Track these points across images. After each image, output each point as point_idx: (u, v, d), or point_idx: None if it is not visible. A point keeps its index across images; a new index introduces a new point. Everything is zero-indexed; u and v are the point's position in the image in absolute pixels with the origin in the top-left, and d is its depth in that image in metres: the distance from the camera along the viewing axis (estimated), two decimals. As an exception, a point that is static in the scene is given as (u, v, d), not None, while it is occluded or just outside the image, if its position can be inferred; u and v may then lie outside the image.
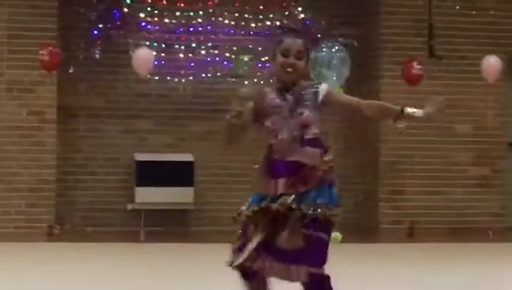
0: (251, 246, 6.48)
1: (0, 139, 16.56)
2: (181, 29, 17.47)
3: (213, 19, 17.50)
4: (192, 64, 17.46)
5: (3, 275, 11.43)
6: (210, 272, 12.11)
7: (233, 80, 17.48)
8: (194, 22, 17.51)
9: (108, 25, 17.04)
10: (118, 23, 17.10)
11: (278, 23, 17.60)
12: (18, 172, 16.51)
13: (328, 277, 6.59)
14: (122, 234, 16.39)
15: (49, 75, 16.36)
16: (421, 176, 17.57)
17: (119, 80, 17.39)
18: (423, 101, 17.42)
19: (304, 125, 6.44)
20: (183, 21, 17.47)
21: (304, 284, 6.45)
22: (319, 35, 17.35)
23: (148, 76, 16.88)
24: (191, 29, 17.51)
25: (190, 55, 17.44)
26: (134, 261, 13.28)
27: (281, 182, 6.41)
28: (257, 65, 17.57)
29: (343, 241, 15.93)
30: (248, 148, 17.18)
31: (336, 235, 15.93)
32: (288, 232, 6.38)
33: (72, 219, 17.18)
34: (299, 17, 17.65)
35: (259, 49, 17.56)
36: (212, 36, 17.56)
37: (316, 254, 6.47)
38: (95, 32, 17.00)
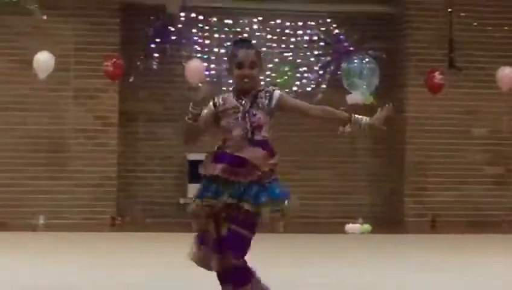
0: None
1: (68, 141, 16.63)
2: (228, 43, 17.46)
3: (257, 34, 17.49)
4: (238, 73, 17.43)
5: (72, 261, 11.50)
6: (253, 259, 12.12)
7: (275, 87, 17.43)
8: (239, 35, 17.50)
9: (164, 39, 17.10)
10: (173, 37, 17.16)
11: (315, 38, 17.60)
12: (84, 170, 16.57)
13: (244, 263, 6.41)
14: (175, 225, 16.38)
15: (112, 84, 16.43)
16: (443, 174, 17.48)
17: (174, 88, 17.41)
18: (444, 107, 17.40)
19: (255, 126, 6.30)
20: (230, 36, 17.46)
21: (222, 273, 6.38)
22: (351, 49, 17.32)
23: (199, 85, 16.89)
24: (238, 43, 17.47)
25: (237, 66, 17.43)
26: (187, 249, 13.26)
27: (220, 165, 6.26)
28: (297, 75, 17.55)
29: (372, 232, 16.02)
30: (283, 149, 17.29)
31: (365, 226, 15.99)
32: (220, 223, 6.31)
33: (132, 211, 17.23)
34: (334, 32, 17.60)
35: (298, 60, 17.56)
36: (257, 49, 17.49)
37: (236, 246, 6.29)
38: (153, 45, 17.06)
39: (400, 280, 10.18)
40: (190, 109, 6.36)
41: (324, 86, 17.56)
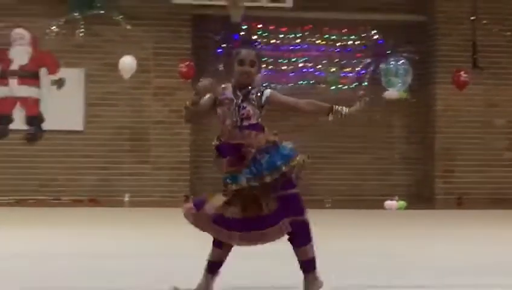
0: (209, 211, 6.30)
1: (149, 131, 16.79)
2: (284, 48, 17.54)
3: (308, 39, 17.54)
4: (292, 74, 17.52)
5: (152, 232, 11.65)
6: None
7: (323, 85, 17.53)
8: (293, 42, 17.58)
9: (229, 45, 17.16)
10: (237, 43, 17.22)
11: (357, 42, 17.60)
12: (162, 155, 16.71)
13: (307, 223, 6.41)
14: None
15: (185, 83, 16.55)
16: (468, 158, 17.42)
17: (237, 86, 17.46)
18: (468, 101, 17.28)
19: (243, 117, 6.25)
20: (285, 41, 17.53)
21: (290, 234, 6.27)
22: (388, 52, 17.31)
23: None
24: (291, 47, 17.57)
25: (291, 67, 17.51)
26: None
27: (224, 162, 6.30)
28: (341, 75, 17.58)
29: (406, 208, 16.01)
30: (332, 137, 17.33)
31: (401, 203, 15.98)
32: (263, 202, 6.18)
33: (202, 190, 17.32)
34: (373, 38, 17.60)
35: (343, 62, 17.58)
36: (308, 52, 17.59)
37: (294, 206, 6.31)
38: (219, 50, 17.15)
39: (430, 249, 10.19)
40: (193, 95, 6.33)
41: (365, 83, 17.58)
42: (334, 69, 17.47)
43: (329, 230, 12.32)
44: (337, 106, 6.50)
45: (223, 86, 6.39)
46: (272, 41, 17.46)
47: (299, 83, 17.49)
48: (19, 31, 16.23)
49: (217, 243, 6.39)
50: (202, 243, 10.11)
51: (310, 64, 17.56)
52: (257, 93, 6.34)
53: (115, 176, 16.49)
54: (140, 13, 16.65)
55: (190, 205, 6.40)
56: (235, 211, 6.21)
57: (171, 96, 16.79)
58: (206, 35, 17.13)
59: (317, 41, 17.56)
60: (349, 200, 16.97)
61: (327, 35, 17.61)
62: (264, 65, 16.81)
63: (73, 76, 16.23)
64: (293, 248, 6.37)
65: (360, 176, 17.72)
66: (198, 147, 17.25)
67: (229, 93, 6.33)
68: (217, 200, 6.30)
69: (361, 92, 6.64)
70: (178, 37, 16.83)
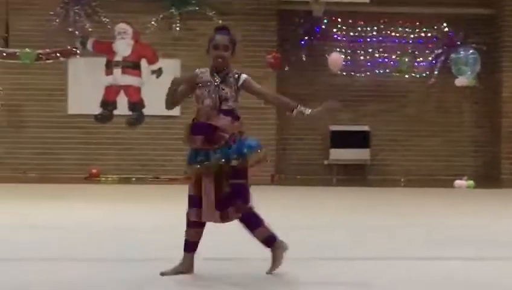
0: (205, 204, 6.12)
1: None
2: (361, 39, 17.50)
3: (383, 32, 17.47)
4: (369, 64, 17.48)
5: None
6: (384, 208, 12.23)
7: (397, 74, 17.46)
8: (370, 34, 17.52)
9: (312, 37, 17.21)
10: (318, 36, 17.26)
11: (429, 34, 17.47)
12: (250, 138, 16.82)
13: (253, 209, 6.31)
14: (320, 181, 16.54)
15: (272, 73, 16.64)
16: (532, 141, 17.26)
17: (319, 75, 17.49)
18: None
19: (222, 99, 6.14)
20: (362, 34, 17.48)
21: (242, 221, 6.27)
22: (458, 43, 17.16)
23: (339, 72, 17.02)
24: (368, 39, 17.52)
25: (368, 57, 17.47)
26: (329, 199, 13.46)
27: (199, 138, 6.11)
28: (414, 64, 17.48)
29: (475, 187, 15.88)
30: (407, 121, 17.26)
31: (470, 182, 15.84)
32: (220, 183, 6.08)
33: (287, 170, 17.44)
34: (444, 30, 17.45)
35: (416, 52, 17.48)
36: (383, 44, 17.52)
37: (241, 195, 6.18)
38: (303, 42, 17.21)
39: (497, 224, 10.18)
40: (171, 82, 6.29)
41: (436, 72, 17.46)
42: (407, 59, 17.36)
43: (403, 208, 12.34)
44: (301, 106, 6.30)
45: (201, 70, 6.28)
46: (350, 34, 17.43)
47: (375, 72, 17.45)
48: (122, 26, 16.51)
49: (194, 223, 6.22)
50: (284, 216, 10.20)
51: (385, 55, 17.48)
52: (234, 76, 6.25)
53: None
54: (230, 9, 16.77)
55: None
56: (210, 191, 6.11)
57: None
58: (291, 28, 17.17)
59: (391, 34, 17.47)
60: (421, 179, 16.91)
61: (401, 28, 17.51)
62: (343, 56, 16.81)
63: (170, 66, 16.40)
64: (250, 233, 6.35)
65: (432, 158, 17.63)
66: (284, 131, 17.36)
67: (206, 76, 6.23)
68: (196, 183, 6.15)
69: (333, 103, 6.37)
70: (265, 30, 16.90)
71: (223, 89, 6.17)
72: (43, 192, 13.56)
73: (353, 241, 8.40)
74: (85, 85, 16.50)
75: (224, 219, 6.18)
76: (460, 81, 16.59)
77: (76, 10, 16.39)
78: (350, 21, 17.41)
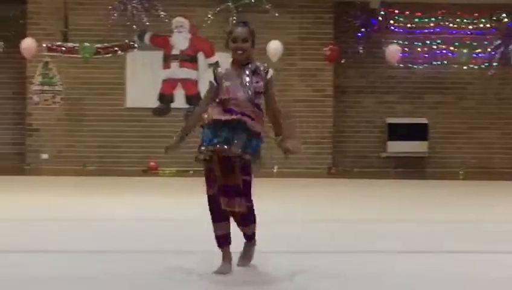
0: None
1: (295, 108, 16.86)
2: (419, 31, 17.37)
3: (441, 23, 17.32)
4: (427, 55, 17.35)
5: (298, 200, 11.80)
6: (439, 200, 12.15)
7: (456, 66, 17.30)
8: (427, 25, 17.38)
9: (368, 29, 17.12)
10: (375, 28, 17.16)
11: (488, 25, 17.27)
12: (307, 130, 16.78)
13: (253, 208, 6.26)
14: (378, 173, 16.47)
15: (329, 65, 16.63)
16: None
17: (376, 67, 17.41)
18: None
19: (256, 92, 6.06)
20: (420, 25, 17.35)
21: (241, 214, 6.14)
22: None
23: (396, 64, 16.92)
24: (426, 30, 17.39)
25: (425, 49, 17.34)
26: (386, 192, 13.42)
27: (233, 116, 6.00)
28: (473, 55, 17.29)
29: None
30: (465, 114, 17.11)
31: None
32: (235, 171, 6.00)
33: (344, 163, 17.39)
34: (503, 21, 17.23)
35: (474, 44, 17.30)
36: (441, 35, 17.38)
37: (247, 191, 6.13)
38: (359, 34, 17.12)
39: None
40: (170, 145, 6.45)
41: (495, 63, 17.25)
42: (465, 50, 17.18)
43: (462, 199, 12.26)
44: (280, 138, 6.16)
45: (218, 68, 6.24)
46: (407, 26, 17.31)
47: (433, 63, 17.32)
48: (179, 20, 16.62)
49: (220, 217, 6.14)
50: (341, 208, 10.21)
51: (443, 46, 17.34)
52: (264, 69, 6.16)
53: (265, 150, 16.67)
54: (286, 1, 16.78)
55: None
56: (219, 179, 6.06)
57: (314, 78, 16.90)
58: (347, 21, 17.11)
59: (450, 25, 17.31)
60: (480, 172, 16.74)
61: (459, 19, 17.34)
62: (400, 48, 16.70)
63: (227, 60, 16.38)
64: (238, 226, 6.29)
65: (491, 150, 17.45)
66: (340, 123, 17.33)
67: (230, 71, 6.15)
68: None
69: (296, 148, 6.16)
70: (321, 22, 16.88)
71: (257, 82, 6.10)
72: (101, 185, 13.73)
73: (413, 235, 8.37)
74: (143, 79, 16.65)
75: (230, 206, 6.06)
76: (519, 73, 16.42)
77: (134, 4, 16.53)
78: (407, 12, 17.29)
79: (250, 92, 6.07)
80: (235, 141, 6.00)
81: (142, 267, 6.45)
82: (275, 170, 16.13)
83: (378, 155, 17.27)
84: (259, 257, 6.51)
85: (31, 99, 16.45)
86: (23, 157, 16.79)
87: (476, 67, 17.30)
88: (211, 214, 6.17)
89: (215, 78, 6.21)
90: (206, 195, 6.15)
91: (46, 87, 16.35)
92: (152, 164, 16.15)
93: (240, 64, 6.16)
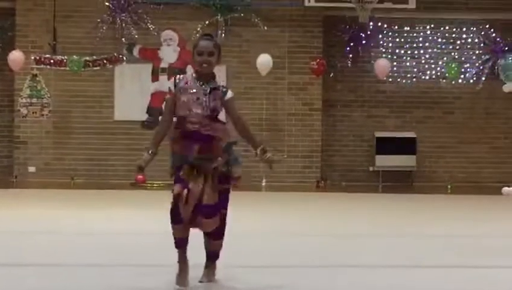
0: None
1: (283, 122, 16.96)
2: (407, 45, 17.46)
3: (430, 38, 17.42)
4: (415, 69, 17.44)
5: (288, 212, 11.82)
6: (428, 214, 12.20)
7: (444, 80, 17.39)
8: (416, 40, 17.47)
9: (357, 43, 17.18)
10: (364, 42, 17.22)
11: (476, 40, 17.36)
12: (295, 144, 16.85)
13: (225, 219, 6.37)
14: (366, 187, 16.51)
15: (317, 78, 16.69)
16: None
17: (364, 81, 17.46)
18: None
19: (213, 109, 6.10)
20: (408, 39, 17.45)
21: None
22: (506, 48, 17.09)
23: (385, 78, 17.00)
24: (414, 45, 17.47)
25: (414, 63, 17.43)
26: (374, 206, 13.45)
27: (195, 147, 6.05)
28: (461, 70, 17.36)
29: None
30: (453, 128, 17.14)
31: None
32: (210, 190, 6.05)
33: (332, 177, 17.41)
34: (492, 36, 17.32)
35: (463, 58, 17.38)
36: (429, 50, 17.46)
37: (225, 200, 6.30)
38: (348, 48, 17.17)
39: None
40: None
41: (483, 78, 17.35)
42: (453, 66, 17.26)
43: (450, 213, 12.32)
44: (261, 149, 6.19)
45: (180, 76, 6.25)
46: (396, 40, 17.39)
47: (422, 78, 17.40)
48: (168, 33, 16.68)
49: (179, 220, 6.09)
50: (329, 222, 10.25)
51: (431, 61, 17.43)
52: (222, 89, 6.20)
53: (253, 163, 16.67)
54: (275, 16, 16.85)
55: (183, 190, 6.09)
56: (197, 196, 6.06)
57: (303, 91, 16.95)
58: (336, 35, 17.18)
59: (438, 39, 17.42)
60: (468, 186, 16.82)
61: (448, 34, 17.44)
62: (389, 62, 16.78)
63: (216, 72, 16.45)
64: (207, 240, 6.34)
65: (479, 164, 17.52)
66: (329, 137, 17.37)
67: (192, 82, 6.16)
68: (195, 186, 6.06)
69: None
70: (310, 36, 16.94)
71: (214, 99, 6.14)
72: (90, 198, 13.74)
73: (391, 249, 8.41)
74: (131, 91, 16.68)
75: (206, 228, 6.13)
76: (508, 87, 16.45)
77: (123, 17, 16.59)
78: (396, 27, 17.38)
79: (207, 110, 6.10)
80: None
81: (138, 281, 6.48)
82: (263, 184, 16.16)
83: (366, 169, 17.31)
84: (234, 271, 6.53)
85: (18, 112, 16.46)
86: (10, 170, 16.78)
87: (464, 82, 17.38)
88: (172, 217, 6.13)
89: (174, 85, 6.20)
90: (173, 195, 6.11)
91: (34, 100, 16.38)
92: (140, 177, 16.14)
93: (202, 78, 6.18)
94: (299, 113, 16.98)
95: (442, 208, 13.23)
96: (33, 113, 16.40)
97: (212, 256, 6.46)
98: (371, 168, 17.23)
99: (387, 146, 17.07)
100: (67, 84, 16.66)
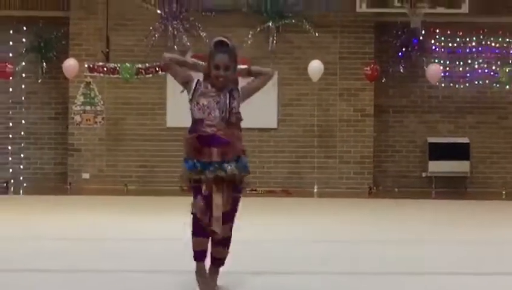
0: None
1: (335, 128, 16.95)
2: (460, 50, 17.35)
3: (482, 42, 17.28)
4: (468, 74, 17.31)
5: (338, 219, 11.82)
6: (482, 221, 12.09)
7: (498, 85, 17.23)
8: (469, 44, 17.35)
9: (409, 49, 17.12)
10: (416, 47, 17.15)
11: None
12: (347, 150, 16.84)
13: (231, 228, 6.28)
14: (418, 193, 16.41)
15: (369, 84, 16.66)
16: None
17: (417, 86, 17.41)
18: None
19: (231, 112, 6.12)
20: (461, 44, 17.33)
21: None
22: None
23: (437, 83, 16.91)
24: (467, 50, 17.35)
25: (467, 68, 17.30)
26: (428, 212, 13.36)
27: (214, 151, 6.06)
28: (515, 74, 17.24)
29: None
30: (507, 133, 16.99)
31: None
32: (226, 197, 6.07)
33: (384, 183, 17.36)
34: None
35: (516, 62, 17.27)
36: (483, 54, 17.33)
37: (234, 209, 6.19)
38: (400, 54, 17.13)
39: None
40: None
41: (537, 82, 17.21)
42: (507, 70, 17.10)
43: (505, 219, 12.20)
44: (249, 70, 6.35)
45: (199, 79, 6.32)
46: (448, 45, 17.29)
47: (475, 83, 17.27)
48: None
49: (201, 233, 6.15)
50: (380, 228, 10.21)
51: (484, 66, 17.29)
52: (236, 88, 6.21)
53: (305, 169, 16.76)
54: (327, 22, 16.87)
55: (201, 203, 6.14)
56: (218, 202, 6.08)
57: (355, 97, 16.92)
58: (388, 40, 17.15)
59: (491, 44, 17.28)
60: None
61: (501, 38, 17.29)
62: (441, 67, 16.69)
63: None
64: (214, 246, 6.27)
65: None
66: (381, 143, 17.32)
67: (208, 85, 6.24)
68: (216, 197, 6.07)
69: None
70: (362, 42, 16.93)
71: (232, 102, 6.16)
72: (142, 204, 13.85)
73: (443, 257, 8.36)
74: (183, 98, 16.73)
75: (222, 233, 6.12)
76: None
77: (175, 25, 16.73)
78: (448, 32, 17.28)
79: (226, 112, 6.13)
80: (229, 168, 6.07)
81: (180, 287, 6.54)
82: (315, 190, 16.17)
83: (419, 175, 17.23)
84: (284, 278, 6.53)
85: (72, 119, 16.68)
86: (65, 177, 17.01)
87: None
88: (194, 230, 6.16)
89: (197, 81, 6.31)
90: (195, 209, 6.15)
91: (87, 107, 16.57)
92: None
93: (218, 86, 6.21)
94: (351, 119, 16.96)
95: (497, 214, 13.10)
96: (87, 120, 16.59)
97: (215, 261, 6.39)
98: (423, 174, 17.14)
99: (440, 152, 16.98)
100: (120, 91, 16.86)
